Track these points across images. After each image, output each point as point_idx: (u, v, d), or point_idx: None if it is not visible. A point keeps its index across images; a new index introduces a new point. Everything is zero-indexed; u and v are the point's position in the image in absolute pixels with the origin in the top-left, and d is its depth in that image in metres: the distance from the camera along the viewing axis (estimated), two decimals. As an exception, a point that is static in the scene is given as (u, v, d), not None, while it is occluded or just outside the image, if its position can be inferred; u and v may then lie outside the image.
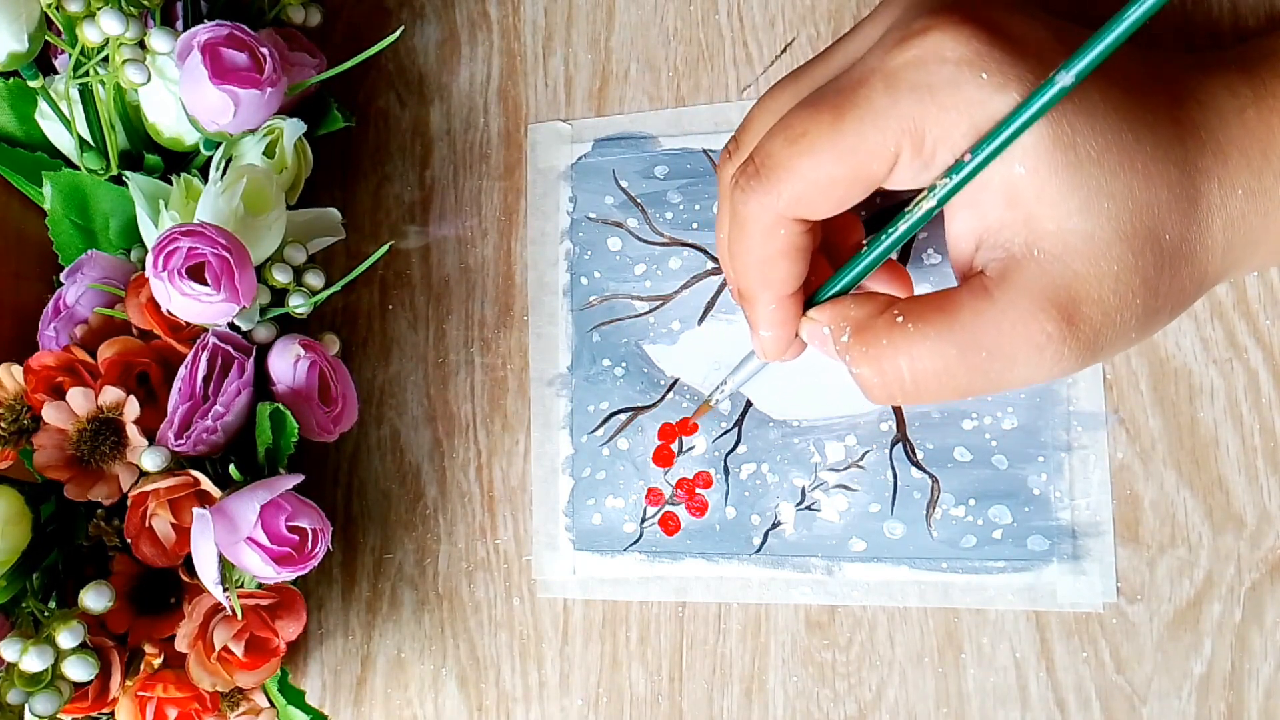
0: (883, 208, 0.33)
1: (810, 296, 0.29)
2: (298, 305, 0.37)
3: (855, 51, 0.27)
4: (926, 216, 0.26)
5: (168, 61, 0.35)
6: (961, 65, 0.24)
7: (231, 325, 0.37)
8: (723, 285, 0.38)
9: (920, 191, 0.26)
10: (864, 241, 0.32)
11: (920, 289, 0.36)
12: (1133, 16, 0.22)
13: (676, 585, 0.38)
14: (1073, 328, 0.24)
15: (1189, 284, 0.26)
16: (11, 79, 0.38)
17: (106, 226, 0.39)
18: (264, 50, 0.34)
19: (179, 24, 0.38)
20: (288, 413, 0.35)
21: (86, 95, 0.37)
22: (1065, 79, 0.23)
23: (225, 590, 0.33)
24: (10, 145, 0.39)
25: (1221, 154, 0.25)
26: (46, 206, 0.38)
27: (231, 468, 0.35)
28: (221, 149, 0.37)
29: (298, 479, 0.34)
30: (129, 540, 0.35)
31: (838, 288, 0.29)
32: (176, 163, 0.39)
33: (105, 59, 0.35)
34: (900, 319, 0.26)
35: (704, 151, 0.38)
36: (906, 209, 0.26)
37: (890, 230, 0.27)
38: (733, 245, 0.28)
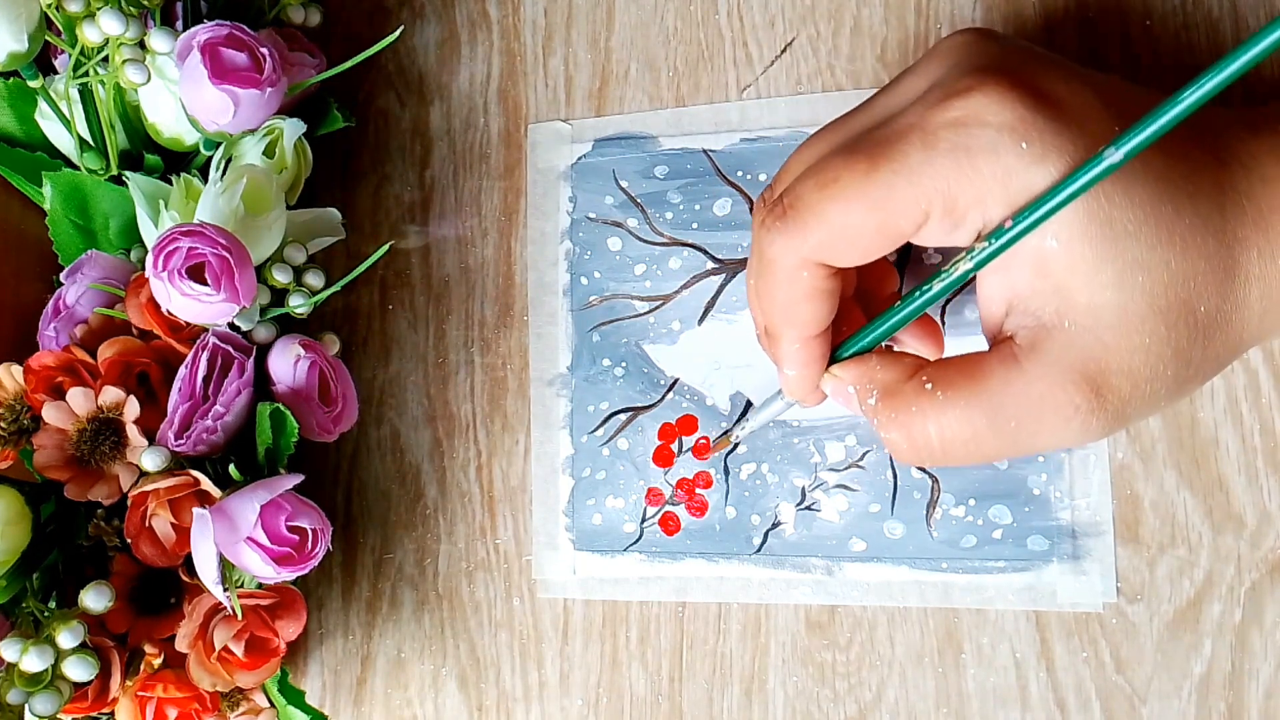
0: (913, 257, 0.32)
1: (836, 348, 0.29)
2: (298, 305, 0.37)
3: (897, 103, 0.26)
4: (962, 279, 0.26)
5: (167, 61, 0.35)
6: (1003, 131, 0.23)
7: (231, 325, 0.37)
8: (723, 285, 0.38)
9: (958, 251, 0.26)
10: (899, 292, 0.32)
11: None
12: (1189, 100, 0.21)
13: (676, 585, 0.38)
14: (1101, 399, 0.24)
15: (1222, 351, 0.25)
16: (11, 79, 0.38)
17: (106, 226, 0.39)
18: (264, 50, 0.34)
19: (179, 24, 0.38)
20: (288, 413, 0.35)
21: (86, 95, 0.37)
22: (1114, 156, 0.22)
23: (225, 590, 0.33)
24: (10, 145, 0.39)
25: (1263, 222, 0.25)
26: (46, 206, 0.38)
27: (231, 468, 0.35)
28: (221, 149, 0.37)
29: (298, 479, 0.34)
30: (129, 540, 0.35)
31: (865, 342, 0.29)
32: (176, 163, 0.39)
33: (105, 59, 0.35)
34: (929, 386, 0.26)
35: (704, 151, 0.38)
36: (942, 269, 0.26)
37: (923, 290, 0.27)
38: (758, 284, 0.28)
